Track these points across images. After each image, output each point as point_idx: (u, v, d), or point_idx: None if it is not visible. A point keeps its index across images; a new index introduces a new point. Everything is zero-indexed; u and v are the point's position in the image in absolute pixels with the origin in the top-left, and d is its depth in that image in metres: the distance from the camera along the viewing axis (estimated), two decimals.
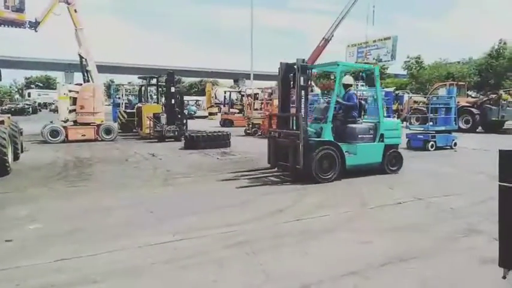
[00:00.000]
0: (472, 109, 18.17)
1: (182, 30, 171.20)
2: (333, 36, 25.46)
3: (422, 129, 12.18)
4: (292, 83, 7.08)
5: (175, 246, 3.67)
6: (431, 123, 11.90)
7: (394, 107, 22.64)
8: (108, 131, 14.03)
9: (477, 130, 17.92)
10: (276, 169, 7.48)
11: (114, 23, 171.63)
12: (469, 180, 7.19)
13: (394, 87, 33.75)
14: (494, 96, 18.88)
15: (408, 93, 30.46)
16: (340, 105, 7.34)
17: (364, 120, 7.70)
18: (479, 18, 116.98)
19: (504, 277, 2.20)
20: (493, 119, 17.77)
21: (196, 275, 3.11)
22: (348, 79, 7.76)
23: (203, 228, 4.17)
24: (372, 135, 7.33)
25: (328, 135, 6.75)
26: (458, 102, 17.40)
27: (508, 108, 18.20)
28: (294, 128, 6.90)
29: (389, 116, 14.95)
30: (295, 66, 6.81)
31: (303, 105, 6.70)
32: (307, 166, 6.43)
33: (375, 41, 44.57)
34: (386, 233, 4.12)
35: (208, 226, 4.25)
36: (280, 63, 7.11)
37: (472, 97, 24.51)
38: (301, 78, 6.68)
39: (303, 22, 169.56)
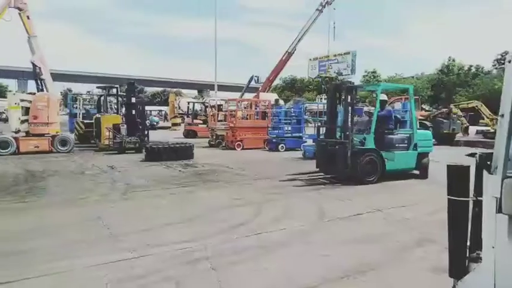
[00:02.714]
0: (426, 122, 19.16)
1: (144, 40, 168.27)
2: (295, 50, 26.13)
3: None
4: (338, 100, 8.42)
5: (132, 265, 3.53)
6: None
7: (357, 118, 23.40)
8: (63, 142, 13.38)
9: None
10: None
11: (72, 31, 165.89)
12: (422, 190, 7.50)
13: None
14: (445, 110, 20.07)
15: (367, 106, 31.67)
16: (378, 118, 8.19)
17: (399, 132, 8.70)
18: (430, 36, 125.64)
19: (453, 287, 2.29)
20: (445, 131, 18.82)
21: None
22: (383, 96, 8.54)
23: (162, 245, 4.04)
24: (406, 145, 8.34)
25: (371, 144, 7.82)
26: None
27: (457, 121, 19.39)
28: (341, 137, 8.01)
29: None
30: (343, 87, 8.27)
31: (349, 119, 7.75)
32: (353, 170, 7.51)
33: (335, 56, 46.15)
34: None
35: (168, 242, 4.13)
36: (331, 84, 8.52)
37: (426, 111, 25.87)
38: (349, 97, 7.86)
39: (262, 35, 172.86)
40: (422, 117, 19.72)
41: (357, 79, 46.35)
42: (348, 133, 7.65)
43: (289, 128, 15.88)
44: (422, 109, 25.20)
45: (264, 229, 4.64)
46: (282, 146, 14.79)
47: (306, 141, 14.44)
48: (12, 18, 13.77)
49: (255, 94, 27.38)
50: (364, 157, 7.66)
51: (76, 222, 4.97)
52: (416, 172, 8.65)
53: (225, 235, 4.44)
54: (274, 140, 15.12)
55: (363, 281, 3.28)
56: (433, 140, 19.69)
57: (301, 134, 15.51)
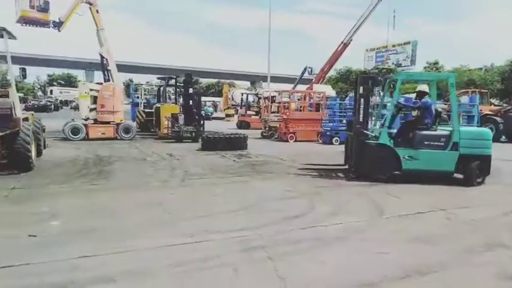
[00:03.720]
0: (496, 117, 17.67)
1: (198, 31, 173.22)
2: (351, 40, 25.30)
3: None
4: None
5: (192, 249, 3.69)
6: None
7: (414, 113, 22.25)
8: (127, 130, 14.26)
9: (501, 139, 17.39)
10: None
11: (131, 23, 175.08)
12: (486, 191, 6.94)
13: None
14: None
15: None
16: (411, 109, 8.01)
17: (440, 128, 7.59)
18: (499, 25, 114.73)
19: None
20: None
21: (212, 278, 3.12)
22: (423, 87, 7.85)
23: (220, 231, 4.17)
24: (443, 143, 7.15)
25: (384, 139, 7.23)
26: (481, 110, 17.01)
27: None
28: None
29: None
30: (361, 77, 7.94)
31: (361, 111, 7.47)
32: (362, 165, 7.31)
33: (394, 46, 43.99)
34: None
35: (225, 229, 4.25)
36: (357, 75, 8.10)
37: (495, 105, 23.89)
38: (361, 88, 7.54)
39: (315, 24, 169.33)
40: (492, 112, 18.22)
41: (417, 70, 43.87)
42: (354, 126, 7.45)
43: (345, 121, 15.50)
44: (491, 104, 23.30)
45: (319, 222, 4.61)
46: (336, 140, 14.49)
47: None
48: (84, 13, 14.76)
49: (308, 86, 27.03)
50: (371, 152, 7.21)
51: (140, 205, 5.29)
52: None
53: (280, 226, 4.47)
54: (328, 133, 14.87)
55: (424, 281, 3.16)
56: (504, 137, 17.93)
57: None
